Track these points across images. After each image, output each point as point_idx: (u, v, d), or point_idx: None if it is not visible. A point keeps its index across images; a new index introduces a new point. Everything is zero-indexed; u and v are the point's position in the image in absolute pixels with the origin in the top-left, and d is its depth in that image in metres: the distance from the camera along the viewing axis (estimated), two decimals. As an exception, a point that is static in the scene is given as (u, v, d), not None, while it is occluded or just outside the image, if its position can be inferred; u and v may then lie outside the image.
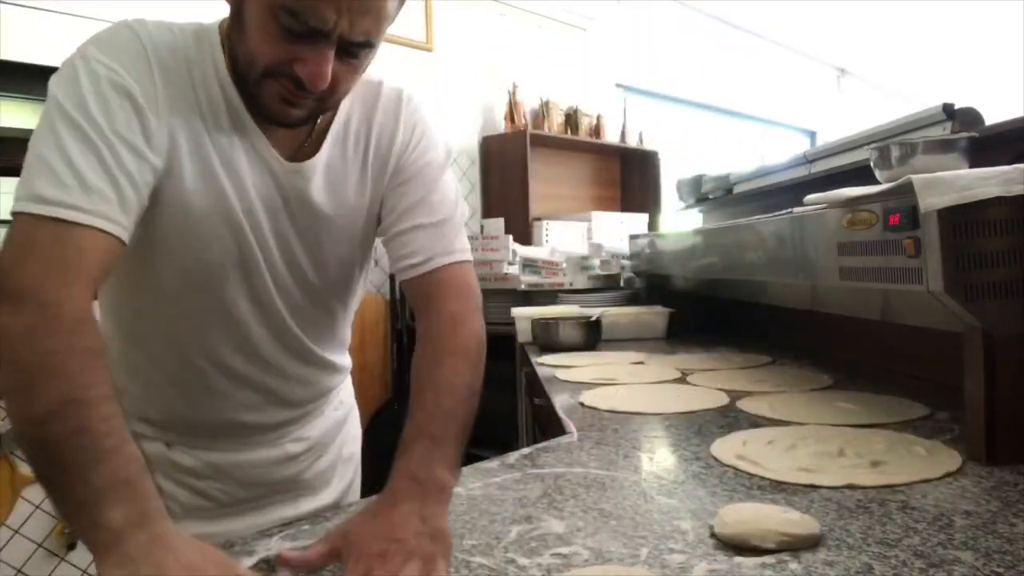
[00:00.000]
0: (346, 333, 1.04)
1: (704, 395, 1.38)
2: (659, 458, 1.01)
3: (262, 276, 0.87)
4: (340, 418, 1.10)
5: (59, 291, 0.65)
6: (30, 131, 0.72)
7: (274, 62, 0.73)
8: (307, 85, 0.73)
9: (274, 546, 0.73)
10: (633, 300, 2.69)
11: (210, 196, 0.80)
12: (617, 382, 1.54)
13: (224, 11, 0.79)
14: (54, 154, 0.69)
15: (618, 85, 4.70)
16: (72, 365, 0.62)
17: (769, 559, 0.65)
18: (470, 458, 1.01)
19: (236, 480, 0.96)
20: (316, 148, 0.87)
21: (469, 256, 0.92)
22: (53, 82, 0.73)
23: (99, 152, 0.70)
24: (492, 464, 0.98)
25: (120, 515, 0.56)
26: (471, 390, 0.82)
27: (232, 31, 0.77)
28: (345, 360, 1.06)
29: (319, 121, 0.86)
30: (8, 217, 0.69)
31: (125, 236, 0.71)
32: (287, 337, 0.93)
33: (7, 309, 0.64)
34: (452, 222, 0.92)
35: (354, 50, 0.74)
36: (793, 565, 0.63)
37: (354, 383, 1.17)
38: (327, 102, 0.79)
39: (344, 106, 0.88)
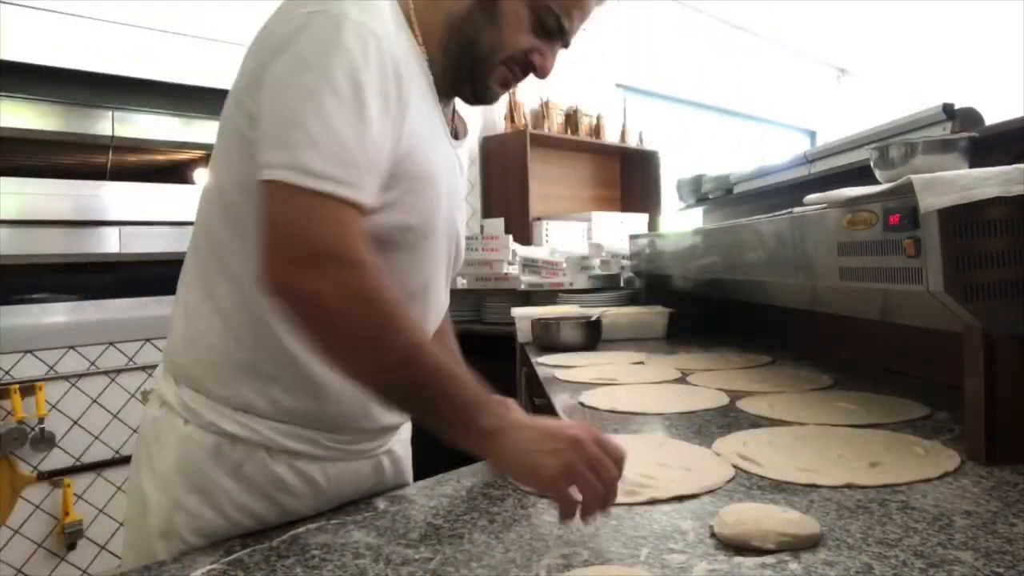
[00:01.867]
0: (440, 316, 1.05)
1: (704, 395, 1.38)
2: (659, 458, 1.01)
3: (431, 250, 0.87)
4: (410, 430, 1.04)
5: (356, 251, 0.69)
6: (30, 131, 0.70)
7: (520, 51, 0.84)
8: (539, 73, 0.86)
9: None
10: (633, 300, 2.69)
11: (426, 166, 0.82)
12: (617, 382, 1.54)
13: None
14: (317, 122, 0.68)
15: (618, 85, 4.70)
16: (403, 316, 0.71)
17: (769, 559, 0.65)
18: (470, 458, 1.02)
19: (325, 495, 0.86)
20: (456, 132, 0.94)
21: None
22: (307, 43, 0.71)
23: (364, 125, 0.71)
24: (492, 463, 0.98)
25: (493, 419, 0.72)
26: None
27: (478, 15, 0.82)
28: None
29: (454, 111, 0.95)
30: (7, 217, 0.68)
31: (374, 205, 0.74)
32: (430, 316, 0.93)
33: (310, 275, 0.67)
34: None
35: (563, 47, 0.89)
36: (793, 565, 0.63)
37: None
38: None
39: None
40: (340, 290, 0.68)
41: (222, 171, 0.81)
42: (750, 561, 0.65)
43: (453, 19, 0.83)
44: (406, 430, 1.02)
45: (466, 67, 0.84)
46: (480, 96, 0.88)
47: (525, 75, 0.87)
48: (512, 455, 0.72)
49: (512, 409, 0.75)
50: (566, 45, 0.88)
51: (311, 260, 0.68)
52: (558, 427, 0.74)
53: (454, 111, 0.95)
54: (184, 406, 0.81)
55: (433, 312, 0.94)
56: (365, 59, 0.71)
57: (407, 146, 0.78)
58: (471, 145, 3.92)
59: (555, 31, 0.84)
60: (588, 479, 0.69)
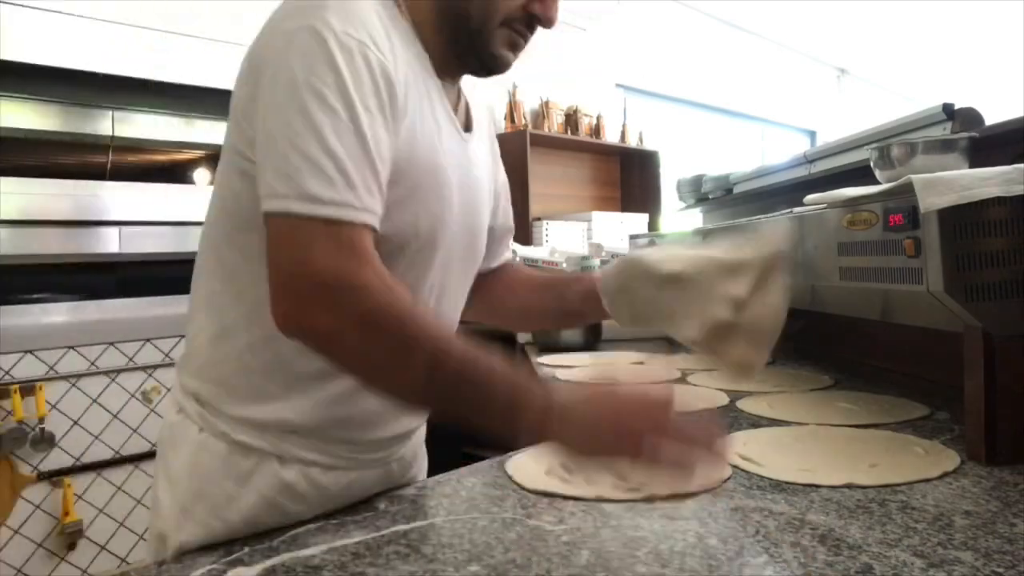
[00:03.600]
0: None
1: (704, 395, 1.38)
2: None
3: (444, 249, 0.84)
4: (419, 441, 1.02)
5: (360, 271, 0.66)
6: (30, 131, 0.69)
7: (515, 8, 0.79)
8: (545, 23, 0.82)
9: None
10: (633, 300, 2.68)
11: (430, 167, 0.79)
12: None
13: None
14: (315, 146, 0.66)
15: (618, 85, 4.70)
16: (416, 328, 0.67)
17: (775, 563, 0.65)
18: (470, 458, 1.02)
19: (334, 502, 0.85)
20: (467, 121, 0.91)
21: None
22: (293, 61, 0.69)
23: (362, 139, 0.69)
24: (492, 464, 0.98)
25: (533, 415, 0.65)
26: None
27: None
28: None
29: (460, 98, 0.91)
30: (7, 217, 0.68)
31: (378, 224, 0.71)
32: (446, 317, 0.91)
33: (323, 309, 0.65)
34: None
35: None
36: (794, 565, 0.63)
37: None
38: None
39: (464, 90, 0.93)
40: (349, 320, 0.65)
41: (225, 195, 0.80)
42: (754, 560, 0.65)
43: None
44: (418, 433, 1.00)
45: (464, 43, 0.81)
46: (490, 66, 0.84)
47: (532, 30, 0.83)
48: (574, 441, 0.66)
49: (553, 391, 0.68)
50: None
51: (317, 296, 0.66)
52: (615, 403, 0.66)
53: (466, 104, 0.93)
54: (199, 414, 0.81)
55: (449, 312, 0.91)
56: (353, 71, 0.69)
57: (407, 150, 0.76)
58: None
59: None
60: (668, 453, 0.62)
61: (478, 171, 0.91)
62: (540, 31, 0.87)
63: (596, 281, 0.97)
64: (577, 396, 0.67)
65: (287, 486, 0.80)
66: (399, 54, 0.75)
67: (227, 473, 0.79)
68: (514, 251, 3.22)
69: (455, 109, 0.87)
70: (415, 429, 0.95)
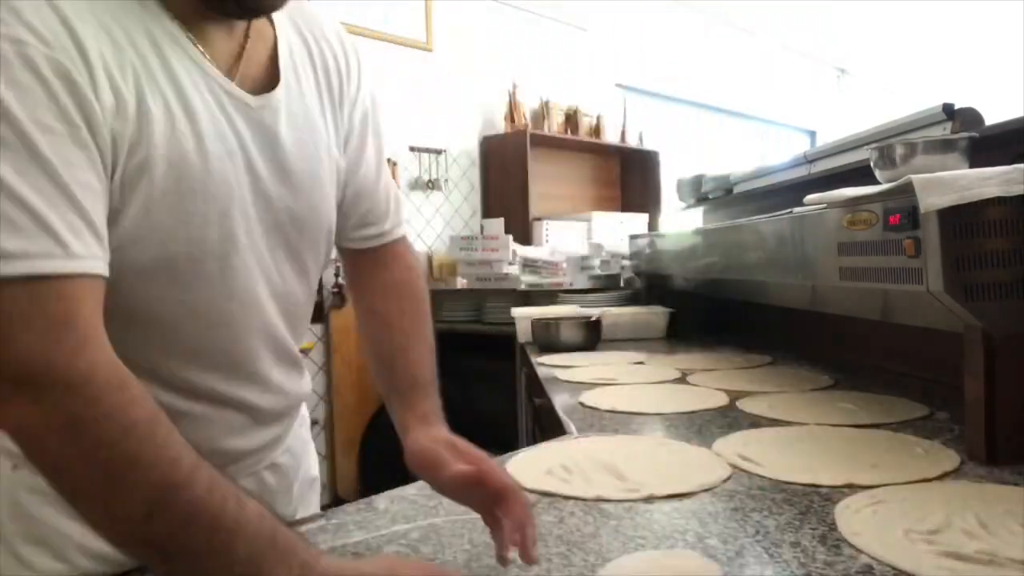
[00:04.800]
0: (309, 316, 0.88)
1: (704, 395, 1.38)
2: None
3: (241, 256, 0.70)
4: (305, 437, 0.98)
5: (78, 359, 0.51)
6: None
7: None
8: None
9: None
10: (633, 300, 2.69)
11: (173, 160, 0.62)
12: (617, 382, 1.54)
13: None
14: None
15: (618, 85, 4.70)
16: (145, 445, 0.51)
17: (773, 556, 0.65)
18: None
19: None
20: (271, 77, 0.71)
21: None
22: None
23: (46, 167, 0.52)
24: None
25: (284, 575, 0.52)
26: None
27: None
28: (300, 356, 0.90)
29: (249, 45, 0.71)
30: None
31: (104, 268, 0.56)
32: (269, 330, 0.77)
33: (25, 402, 0.50)
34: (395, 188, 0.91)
35: None
36: (794, 565, 0.63)
37: (354, 383, 1.16)
38: None
39: (282, 28, 0.74)
40: (55, 423, 0.50)
41: None
42: (754, 560, 0.65)
43: None
44: (291, 436, 0.91)
45: None
46: (249, 4, 0.65)
47: None
48: None
49: (314, 562, 0.54)
50: None
51: (19, 386, 0.50)
52: (388, 565, 0.57)
53: (272, 51, 0.73)
54: (9, 452, 0.70)
55: (283, 316, 0.78)
56: (11, 83, 0.51)
57: (140, 158, 0.59)
58: (470, 145, 3.94)
59: None
60: None
61: (290, 135, 0.72)
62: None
63: (412, 425, 0.77)
64: (347, 572, 0.55)
65: None
66: (89, 25, 0.57)
67: (53, 507, 0.69)
68: (514, 251, 3.23)
69: (230, 64, 0.68)
70: (275, 438, 0.86)
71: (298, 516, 0.90)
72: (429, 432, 0.74)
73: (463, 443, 0.72)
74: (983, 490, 0.80)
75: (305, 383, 0.91)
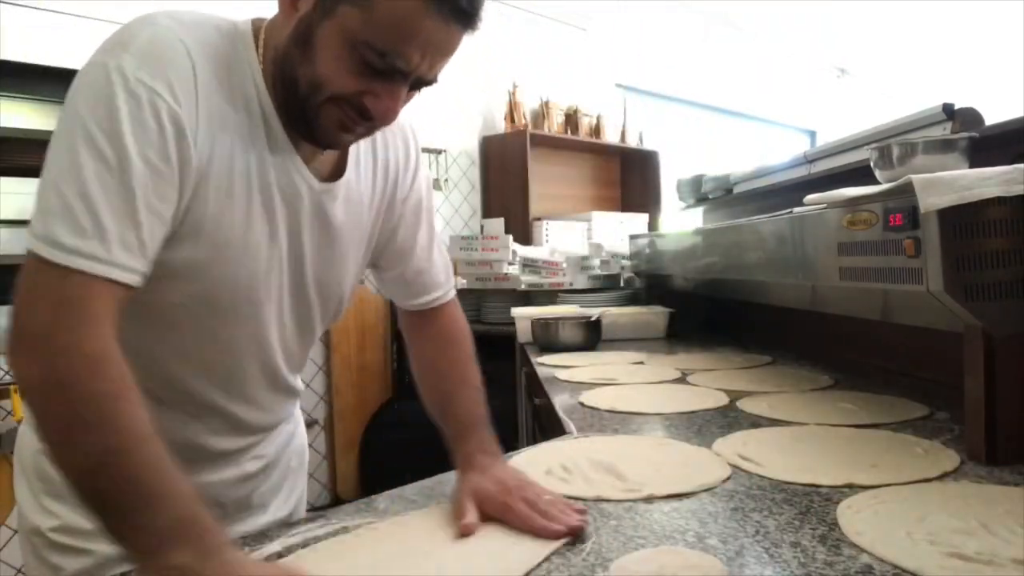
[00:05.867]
0: (306, 359, 0.99)
1: (704, 395, 1.38)
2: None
3: (266, 305, 0.81)
4: (290, 431, 1.04)
5: (71, 334, 0.61)
6: (30, 131, 0.68)
7: (346, 92, 0.70)
8: (376, 119, 0.72)
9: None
10: (633, 300, 2.69)
11: (235, 220, 0.74)
12: (617, 382, 1.54)
13: (233, 7, 0.77)
14: (73, 188, 0.62)
15: (618, 85, 4.70)
16: (104, 411, 0.59)
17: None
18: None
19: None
20: (339, 167, 0.84)
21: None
22: (79, 96, 0.65)
23: (127, 190, 0.63)
24: (492, 464, 0.98)
25: (188, 555, 0.57)
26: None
27: (293, 50, 0.71)
28: (300, 384, 1.00)
29: None
30: (7, 217, 0.67)
31: (140, 281, 0.66)
32: (269, 368, 0.87)
33: (24, 359, 0.61)
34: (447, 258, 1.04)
35: (423, 87, 0.74)
36: (794, 565, 0.64)
37: (354, 383, 1.16)
38: (377, 129, 0.78)
39: None
40: (44, 376, 0.60)
41: None
42: (754, 560, 0.65)
43: (277, 54, 0.73)
44: (280, 429, 0.99)
45: (294, 107, 0.73)
46: (319, 139, 0.76)
47: (365, 118, 0.72)
48: None
49: (221, 552, 0.59)
50: (425, 84, 0.73)
51: (26, 345, 0.61)
52: None
53: (342, 151, 0.85)
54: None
55: (284, 359, 0.88)
56: (135, 119, 0.64)
57: (204, 211, 0.71)
58: (470, 145, 3.93)
59: (388, 72, 0.69)
60: None
61: (341, 216, 0.85)
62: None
63: (464, 450, 0.89)
64: (235, 568, 0.58)
65: None
66: (207, 103, 0.69)
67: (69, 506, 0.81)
68: (514, 251, 3.23)
69: (310, 157, 0.80)
70: (252, 444, 0.93)
71: (286, 501, 1.01)
72: (473, 472, 0.84)
73: (507, 478, 0.81)
74: (983, 490, 0.80)
75: (293, 405, 1.02)
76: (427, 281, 0.99)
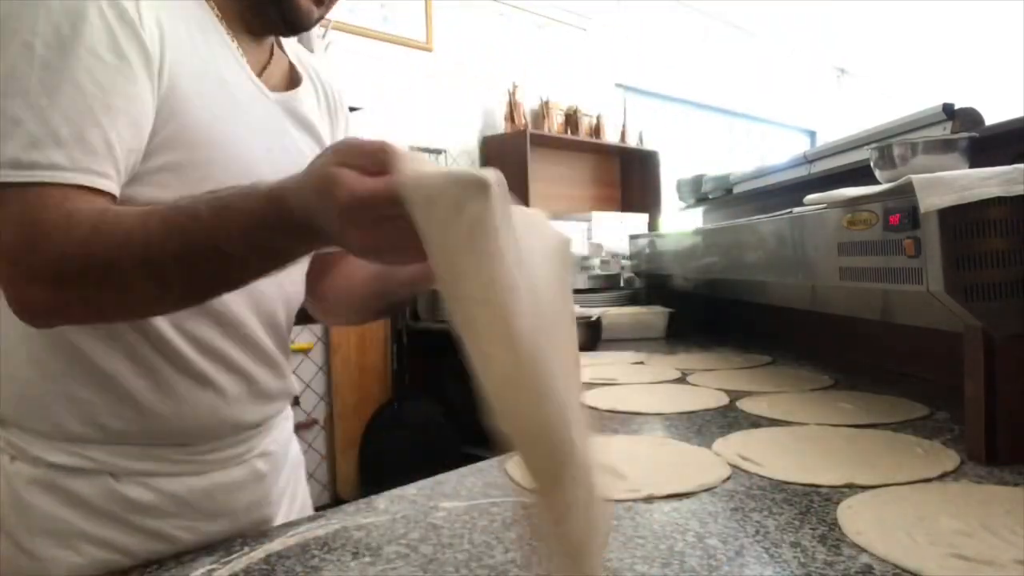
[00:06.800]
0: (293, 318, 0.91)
1: (704, 395, 1.38)
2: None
3: None
4: (289, 428, 0.98)
5: (43, 225, 0.57)
6: None
7: None
8: None
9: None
10: (633, 300, 2.69)
11: (209, 132, 0.69)
12: (617, 382, 1.54)
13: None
14: (18, 101, 0.57)
15: (618, 85, 4.70)
16: (99, 233, 0.56)
17: (774, 561, 0.65)
18: (469, 458, 1.02)
19: (202, 512, 0.78)
20: (288, 84, 0.81)
21: None
22: (14, 7, 0.59)
23: (78, 90, 0.58)
24: (492, 464, 0.98)
25: (288, 198, 0.52)
26: None
27: None
28: (291, 374, 0.93)
29: (272, 61, 0.80)
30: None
31: (112, 186, 0.61)
32: (265, 303, 0.80)
33: (30, 277, 0.57)
34: None
35: None
36: (794, 565, 0.64)
37: (354, 383, 1.16)
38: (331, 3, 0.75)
39: (292, 57, 0.85)
40: (46, 283, 0.57)
41: None
42: (754, 560, 0.65)
43: None
44: (284, 426, 0.93)
45: None
46: (291, 19, 0.73)
47: None
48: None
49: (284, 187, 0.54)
50: None
51: (16, 273, 0.58)
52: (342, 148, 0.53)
53: (288, 65, 0.83)
54: (7, 442, 0.72)
55: (283, 302, 0.83)
56: (73, 12, 0.59)
57: (170, 109, 0.65)
58: (471, 145, 3.93)
59: None
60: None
61: (299, 135, 0.80)
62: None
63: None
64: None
65: (129, 501, 0.72)
66: (162, 7, 0.66)
67: (54, 499, 0.70)
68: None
69: (261, 69, 0.78)
70: (270, 418, 0.87)
71: (293, 503, 0.94)
72: None
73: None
74: (983, 490, 0.80)
75: (289, 373, 0.91)
76: None
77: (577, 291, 2.86)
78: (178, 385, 0.74)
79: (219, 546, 0.75)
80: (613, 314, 2.26)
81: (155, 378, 0.73)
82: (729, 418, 1.21)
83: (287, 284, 0.84)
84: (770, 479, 0.87)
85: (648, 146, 4.50)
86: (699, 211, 2.80)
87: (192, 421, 0.76)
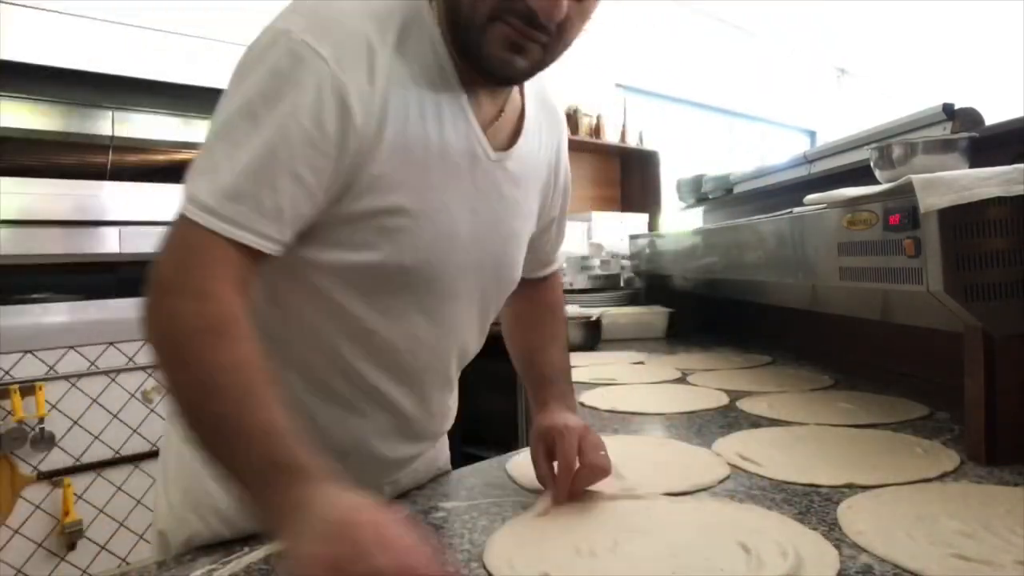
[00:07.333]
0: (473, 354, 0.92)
1: (704, 395, 1.38)
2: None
3: (443, 280, 0.76)
4: (432, 456, 0.98)
5: (188, 276, 0.60)
6: (30, 131, 0.68)
7: None
8: (540, 16, 0.66)
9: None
10: (633, 300, 2.69)
11: (411, 184, 0.70)
12: (617, 382, 1.54)
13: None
14: (221, 147, 0.62)
15: (618, 85, 4.70)
16: (196, 348, 0.58)
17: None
18: (469, 458, 1.02)
19: None
20: (512, 137, 0.81)
21: None
22: (246, 55, 0.65)
23: (270, 153, 0.61)
24: (492, 464, 0.98)
25: (278, 495, 0.54)
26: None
27: None
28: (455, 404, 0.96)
29: (506, 110, 0.81)
30: (7, 217, 0.67)
31: (273, 247, 0.63)
32: (438, 352, 0.82)
33: (146, 308, 0.60)
34: None
35: None
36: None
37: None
38: (553, 49, 0.73)
39: (528, 99, 0.86)
40: (157, 320, 0.60)
41: None
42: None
43: None
44: (418, 461, 0.93)
45: (462, 40, 0.70)
46: (490, 70, 0.71)
47: (535, 27, 0.68)
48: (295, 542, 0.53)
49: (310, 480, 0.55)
50: None
51: (152, 290, 0.61)
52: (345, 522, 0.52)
53: (518, 115, 0.84)
54: None
55: (457, 354, 0.84)
56: (293, 82, 0.62)
57: (387, 183, 0.68)
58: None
59: None
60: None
61: (511, 191, 0.81)
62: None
63: (543, 405, 0.91)
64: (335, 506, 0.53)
65: None
66: (394, 72, 0.67)
67: (206, 470, 0.72)
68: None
69: (490, 121, 0.78)
70: (415, 458, 0.90)
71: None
72: (545, 415, 0.88)
73: (573, 426, 0.82)
74: (983, 490, 0.80)
75: (451, 416, 0.95)
76: (549, 255, 1.01)
77: (577, 291, 2.86)
78: (334, 409, 0.78)
79: (219, 546, 0.75)
80: (613, 314, 2.25)
81: (321, 397, 0.77)
82: (729, 418, 1.21)
83: (469, 336, 0.86)
84: (770, 479, 0.87)
85: (648, 146, 4.49)
86: (699, 211, 2.80)
87: (339, 444, 0.77)
